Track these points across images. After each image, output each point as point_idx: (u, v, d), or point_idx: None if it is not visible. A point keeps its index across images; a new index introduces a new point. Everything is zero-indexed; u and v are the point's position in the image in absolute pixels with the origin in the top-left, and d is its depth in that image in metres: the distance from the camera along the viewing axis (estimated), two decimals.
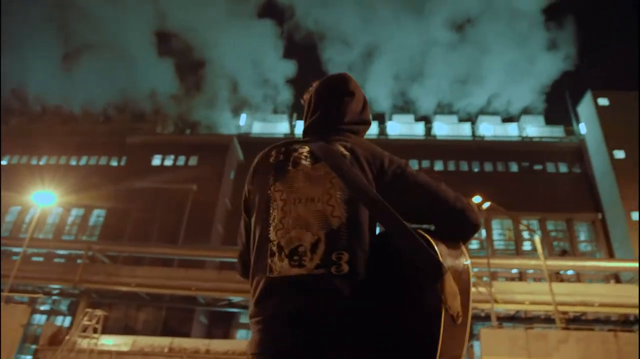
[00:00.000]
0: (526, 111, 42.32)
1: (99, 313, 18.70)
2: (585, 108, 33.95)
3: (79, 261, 26.54)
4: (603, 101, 32.63)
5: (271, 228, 1.48)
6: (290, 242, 1.43)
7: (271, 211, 1.51)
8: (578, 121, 35.40)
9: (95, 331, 18.35)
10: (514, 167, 33.38)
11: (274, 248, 1.45)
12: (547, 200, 30.17)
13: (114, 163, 35.84)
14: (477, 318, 25.03)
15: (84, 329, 18.20)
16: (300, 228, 1.44)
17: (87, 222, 32.96)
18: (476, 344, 21.81)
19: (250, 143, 35.37)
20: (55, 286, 25.54)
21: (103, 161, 36.08)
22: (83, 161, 36.14)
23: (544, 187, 31.10)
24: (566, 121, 37.52)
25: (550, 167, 33.03)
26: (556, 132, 36.77)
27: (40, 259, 29.49)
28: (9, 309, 14.98)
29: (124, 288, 24.22)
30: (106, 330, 19.84)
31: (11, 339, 13.33)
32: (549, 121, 38.82)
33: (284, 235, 1.46)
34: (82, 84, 46.74)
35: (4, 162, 36.51)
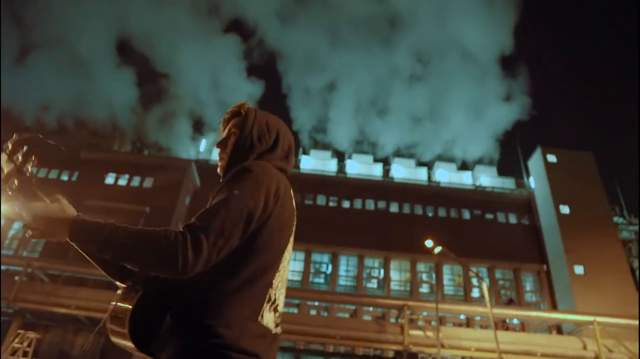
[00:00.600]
0: (480, 161, 43.94)
1: (32, 335, 17.64)
2: (535, 163, 35.57)
3: (16, 277, 25.04)
4: (552, 158, 34.29)
5: (276, 275, 1.51)
6: (279, 299, 1.51)
7: (281, 259, 1.54)
8: (528, 174, 37.01)
9: (25, 354, 17.26)
10: (466, 215, 34.34)
11: (272, 296, 1.48)
12: (497, 249, 31.14)
13: (65, 177, 34.55)
14: None
15: (14, 352, 17.08)
16: (284, 289, 1.56)
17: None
18: None
19: (208, 169, 34.96)
20: None
21: (53, 174, 34.71)
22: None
23: (494, 236, 32.11)
24: (517, 173, 39.25)
25: (501, 217, 34.21)
26: (507, 183, 38.28)
27: None
28: None
29: (63, 310, 22.88)
30: (38, 354, 18.68)
31: None
32: (501, 172, 40.47)
33: (280, 288, 1.52)
34: (36, 88, 45.06)
35: None
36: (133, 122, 47.50)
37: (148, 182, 33.50)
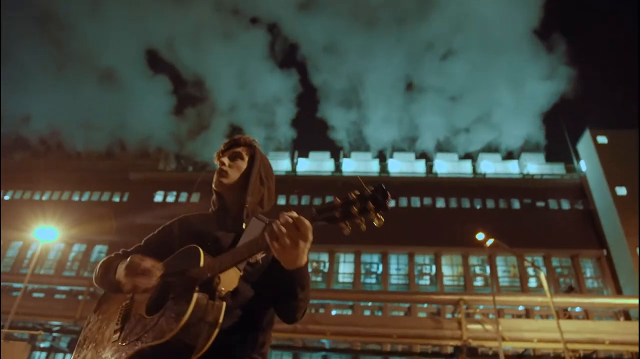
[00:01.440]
0: (526, 149, 42.76)
1: None
2: (585, 146, 34.36)
3: (80, 297, 26.18)
4: (602, 139, 33.05)
5: None
6: None
7: None
8: (578, 158, 35.77)
9: None
10: (516, 204, 33.45)
11: None
12: (551, 237, 30.11)
13: (117, 199, 35.90)
14: (485, 356, 24.56)
15: None
16: None
17: (88, 257, 32.71)
18: None
19: None
20: (56, 323, 25.09)
21: (105, 196, 36.14)
22: (85, 196, 36.20)
23: (547, 224, 31.09)
24: (566, 158, 37.93)
25: (553, 204, 33.11)
26: (557, 169, 37.05)
27: (41, 295, 29.11)
28: (9, 347, 14.73)
29: None
30: None
31: None
32: (549, 158, 39.22)
33: None
34: (83, 120, 47.23)
35: (6, 198, 36.54)
36: (175, 140, 48.93)
37: (195, 197, 34.43)
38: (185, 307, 1.46)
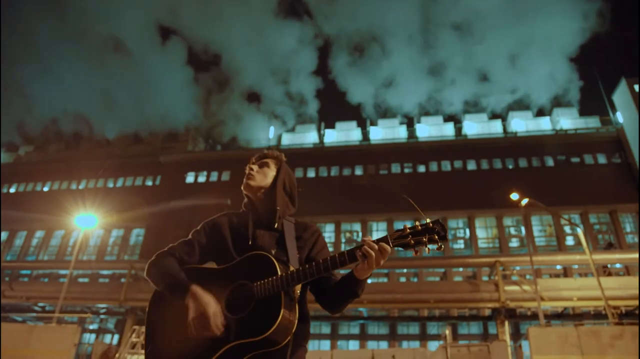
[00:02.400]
0: (558, 104, 41.31)
1: None
2: (621, 96, 33.01)
3: (122, 280, 27.16)
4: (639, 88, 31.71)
5: None
6: None
7: None
8: (614, 110, 34.41)
9: (143, 347, 18.68)
10: (549, 162, 32.58)
11: None
12: (588, 193, 29.28)
13: (149, 183, 36.65)
14: (523, 317, 24.48)
15: (133, 346, 18.58)
16: None
17: (127, 241, 33.76)
18: (524, 344, 21.33)
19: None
20: (102, 305, 26.19)
21: (139, 181, 36.93)
22: (119, 182, 37.10)
23: (583, 180, 30.20)
24: (601, 111, 36.48)
25: (588, 159, 32.08)
26: (591, 123, 35.74)
27: (86, 280, 30.34)
28: (62, 330, 15.39)
29: None
30: None
31: (67, 358, 13.71)
32: (583, 112, 37.81)
33: None
34: (113, 108, 48.05)
35: (45, 189, 37.80)
36: (202, 121, 49.34)
37: (225, 176, 34.82)
38: (277, 309, 1.74)
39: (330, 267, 1.79)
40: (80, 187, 36.99)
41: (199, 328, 1.77)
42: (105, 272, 30.15)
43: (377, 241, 1.79)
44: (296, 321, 1.80)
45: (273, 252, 1.99)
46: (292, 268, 1.87)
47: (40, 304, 26.41)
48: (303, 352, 1.94)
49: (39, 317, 25.20)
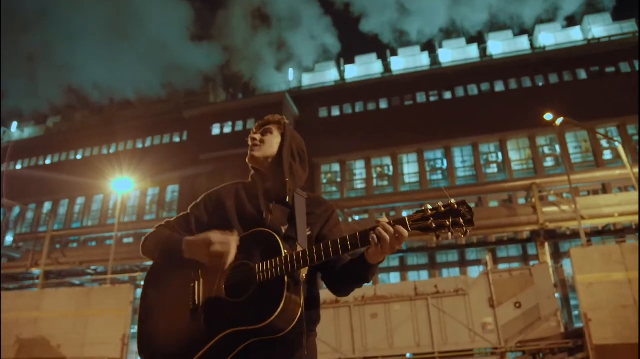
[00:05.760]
0: (588, 11, 38.92)
1: None
2: None
3: None
4: None
5: None
6: None
7: None
8: None
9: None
10: (582, 75, 31.14)
11: None
12: (625, 103, 27.92)
13: (177, 139, 37.00)
14: (562, 236, 24.40)
15: None
16: None
17: (164, 199, 34.62)
18: (566, 263, 21.35)
19: (302, 96, 35.33)
20: (149, 262, 27.26)
21: (166, 139, 37.31)
22: (148, 142, 37.56)
23: (618, 90, 28.79)
24: (637, 13, 34.19)
25: (624, 67, 30.47)
26: (627, 27, 33.62)
27: (131, 240, 31.54)
28: (117, 290, 16.13)
29: None
30: None
31: (124, 316, 14.48)
32: (617, 16, 35.54)
33: None
34: (129, 69, 47.85)
35: (79, 157, 38.69)
36: (221, 70, 48.81)
37: (250, 124, 34.73)
38: (280, 293, 1.58)
39: (340, 250, 1.60)
40: (111, 151, 37.67)
41: (214, 257, 1.65)
42: (147, 231, 31.13)
43: (394, 223, 1.55)
44: (302, 306, 1.65)
45: (284, 229, 1.84)
46: (299, 248, 1.71)
47: (93, 267, 27.73)
48: (314, 337, 1.83)
49: (94, 279, 26.56)
